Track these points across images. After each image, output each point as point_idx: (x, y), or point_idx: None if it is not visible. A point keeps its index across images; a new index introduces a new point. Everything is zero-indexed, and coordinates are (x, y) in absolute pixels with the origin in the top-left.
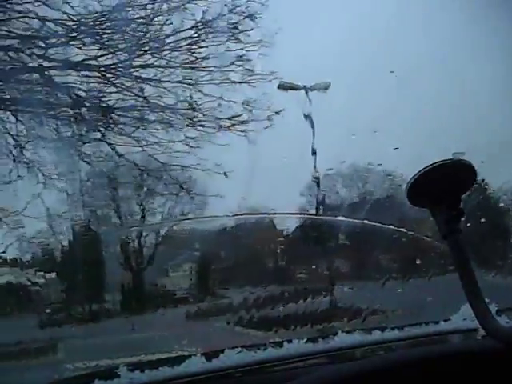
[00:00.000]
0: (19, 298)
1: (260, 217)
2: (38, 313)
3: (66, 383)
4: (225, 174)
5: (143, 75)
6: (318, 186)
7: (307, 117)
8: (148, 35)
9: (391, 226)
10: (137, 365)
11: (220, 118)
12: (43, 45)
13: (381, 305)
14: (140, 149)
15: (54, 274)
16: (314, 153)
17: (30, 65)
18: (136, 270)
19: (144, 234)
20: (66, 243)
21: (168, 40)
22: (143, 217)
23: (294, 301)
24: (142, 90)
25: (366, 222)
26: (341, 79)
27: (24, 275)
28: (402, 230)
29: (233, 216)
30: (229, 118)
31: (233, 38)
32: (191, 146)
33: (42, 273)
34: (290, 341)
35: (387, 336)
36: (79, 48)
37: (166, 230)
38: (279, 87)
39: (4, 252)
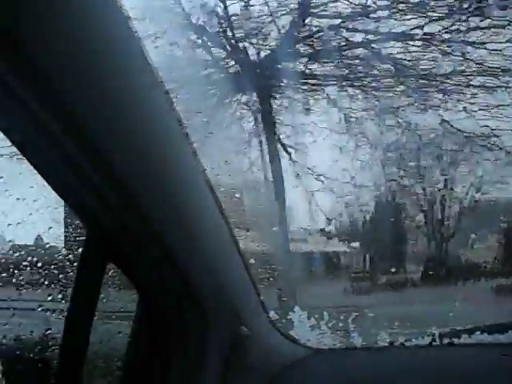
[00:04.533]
0: (327, 266)
1: None
2: (344, 280)
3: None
4: None
5: (466, 39)
6: None
7: None
8: None
9: None
10: (487, 327)
11: None
12: (366, 20)
13: None
14: (465, 114)
15: (358, 244)
16: None
17: (353, 40)
18: (438, 240)
19: (448, 203)
20: (370, 213)
21: None
22: (446, 186)
23: None
24: (465, 54)
25: None
26: None
27: (331, 244)
28: None
29: None
30: None
31: None
32: None
33: (347, 242)
34: None
35: None
36: (397, 20)
37: (470, 200)
38: None
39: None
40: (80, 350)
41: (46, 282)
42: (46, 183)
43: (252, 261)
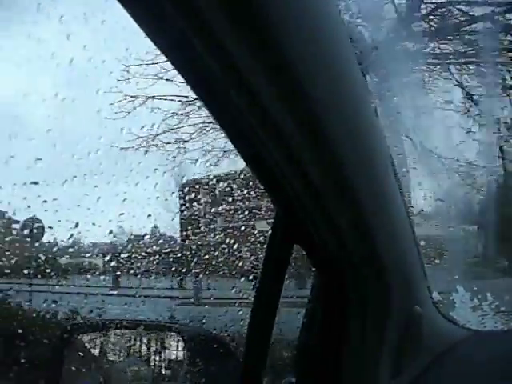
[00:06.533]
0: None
1: None
2: (459, 265)
3: None
4: None
5: None
6: None
7: None
8: None
9: None
10: None
11: None
12: None
13: None
14: None
15: (475, 227)
16: None
17: (474, 13)
18: None
19: None
20: (485, 196)
21: None
22: None
23: None
24: None
25: None
26: None
27: (434, 227)
28: None
29: None
30: None
31: None
32: None
33: (464, 225)
34: None
35: None
36: None
37: None
38: None
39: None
40: (266, 330)
41: (164, 270)
42: (161, 175)
43: (422, 242)
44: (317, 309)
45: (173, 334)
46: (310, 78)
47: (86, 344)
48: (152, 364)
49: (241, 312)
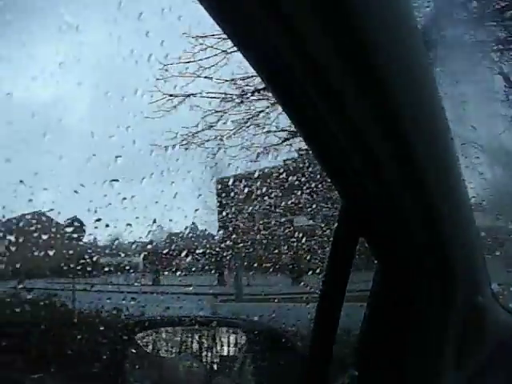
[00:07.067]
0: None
1: None
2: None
3: None
4: None
5: None
6: None
7: None
8: None
9: None
10: None
11: None
12: None
13: None
14: None
15: None
16: None
17: None
18: None
19: None
20: None
21: None
22: None
23: None
24: None
25: None
26: None
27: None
28: None
29: None
30: None
31: None
32: None
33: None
34: None
35: None
36: None
37: None
38: None
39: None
40: (332, 324)
41: (203, 268)
42: (197, 173)
43: (483, 233)
44: (379, 302)
45: (236, 329)
46: (391, 75)
47: (145, 341)
48: (209, 360)
49: (284, 308)
